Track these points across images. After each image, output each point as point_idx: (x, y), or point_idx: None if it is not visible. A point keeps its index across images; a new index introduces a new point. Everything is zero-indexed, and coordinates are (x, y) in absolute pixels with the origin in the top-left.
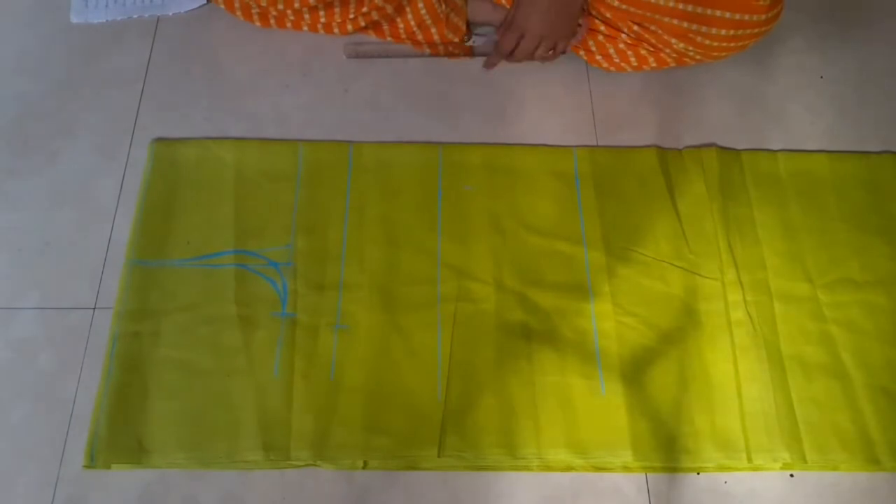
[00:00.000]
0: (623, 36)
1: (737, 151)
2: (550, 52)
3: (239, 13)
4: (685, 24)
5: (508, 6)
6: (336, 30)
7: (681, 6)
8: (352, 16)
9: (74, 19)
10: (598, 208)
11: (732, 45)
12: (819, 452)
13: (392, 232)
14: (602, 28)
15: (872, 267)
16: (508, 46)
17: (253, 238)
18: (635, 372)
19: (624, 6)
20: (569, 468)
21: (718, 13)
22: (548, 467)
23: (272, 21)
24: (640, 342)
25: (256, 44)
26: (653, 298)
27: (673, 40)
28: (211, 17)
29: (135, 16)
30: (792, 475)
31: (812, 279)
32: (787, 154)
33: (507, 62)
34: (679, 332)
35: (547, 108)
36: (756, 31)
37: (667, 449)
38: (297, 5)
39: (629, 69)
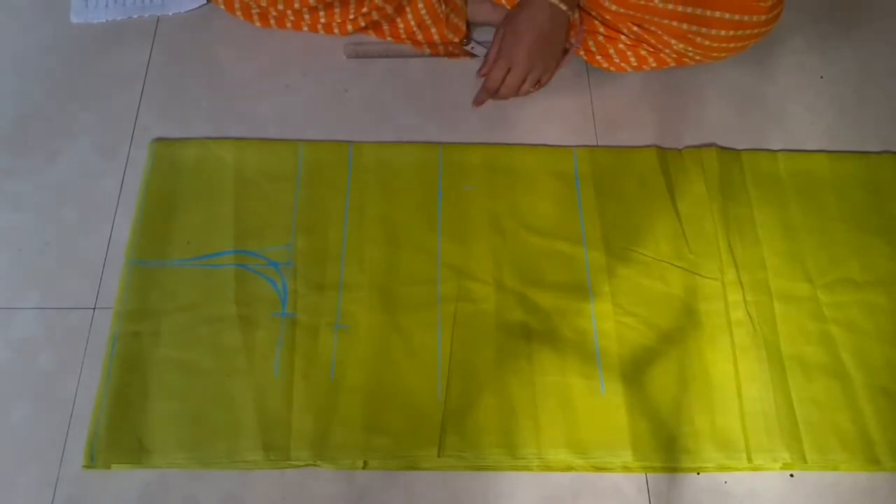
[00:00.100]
0: (623, 37)
1: (737, 151)
2: (535, 86)
3: (239, 13)
4: (685, 26)
5: (509, 6)
6: (336, 30)
7: (679, 8)
8: (352, 16)
9: (74, 19)
10: (598, 208)
11: (732, 45)
12: (819, 452)
13: (392, 232)
14: (601, 29)
15: (872, 267)
16: (496, 81)
17: (253, 238)
18: (635, 372)
19: (622, 10)
20: (569, 468)
21: (718, 14)
22: (548, 467)
23: (272, 21)
24: (640, 342)
25: (256, 44)
26: (653, 298)
27: (673, 41)
28: (211, 17)
29: (135, 16)
30: (792, 475)
31: (812, 279)
32: (787, 154)
33: (493, 100)
34: (679, 332)
35: (547, 108)
36: (756, 31)
37: (667, 449)
38: (297, 6)
39: (629, 69)
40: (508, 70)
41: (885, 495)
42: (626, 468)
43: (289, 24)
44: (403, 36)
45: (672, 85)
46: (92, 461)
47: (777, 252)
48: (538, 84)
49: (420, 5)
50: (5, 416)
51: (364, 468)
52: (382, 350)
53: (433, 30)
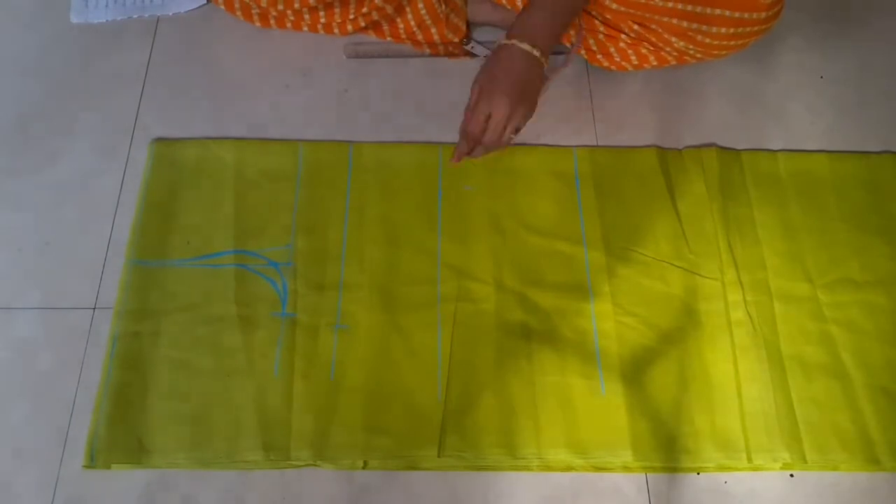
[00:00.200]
0: (623, 35)
1: (737, 151)
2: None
3: (239, 13)
4: (685, 24)
5: (509, 6)
6: (336, 30)
7: (680, 6)
8: (352, 16)
9: (74, 19)
10: (598, 208)
11: (733, 43)
12: (819, 452)
13: (392, 232)
14: (602, 28)
15: (872, 267)
16: (478, 125)
17: (253, 238)
18: (635, 372)
19: (623, 8)
20: (569, 468)
21: (718, 12)
22: (548, 467)
23: (272, 21)
24: (640, 342)
25: (256, 44)
26: (653, 298)
27: (673, 39)
28: (211, 17)
29: (135, 16)
30: (792, 475)
31: (812, 279)
32: (787, 154)
33: (471, 158)
34: (679, 332)
35: (547, 107)
36: (757, 29)
37: (667, 449)
38: (297, 6)
39: (630, 68)
40: (489, 116)
41: (885, 495)
42: (626, 468)
43: (289, 24)
44: (403, 36)
45: (672, 84)
46: (92, 461)
47: (777, 252)
48: (517, 131)
49: (420, 5)
50: (5, 416)
51: (364, 468)
52: (382, 350)
53: (433, 30)
